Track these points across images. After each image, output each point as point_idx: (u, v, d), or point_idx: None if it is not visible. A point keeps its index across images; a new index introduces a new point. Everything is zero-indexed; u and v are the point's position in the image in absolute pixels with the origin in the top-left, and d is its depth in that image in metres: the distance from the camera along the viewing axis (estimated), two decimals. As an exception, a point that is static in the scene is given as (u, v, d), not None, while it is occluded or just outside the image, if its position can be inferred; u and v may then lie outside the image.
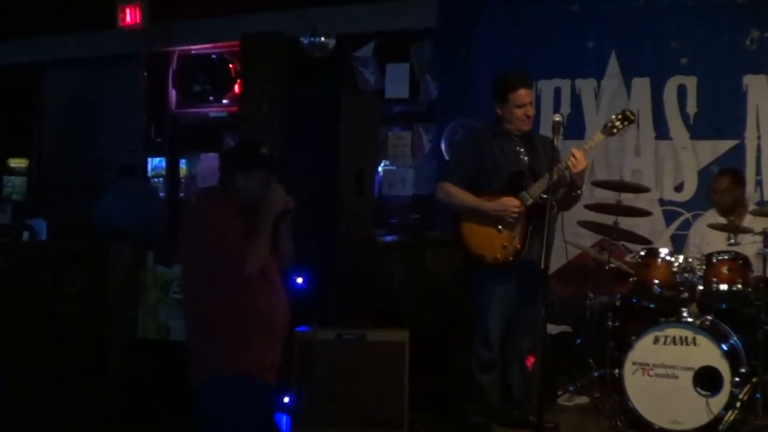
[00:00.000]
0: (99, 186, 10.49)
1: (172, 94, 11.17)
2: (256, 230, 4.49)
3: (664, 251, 6.66)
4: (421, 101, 9.56)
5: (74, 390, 7.35)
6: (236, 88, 10.55)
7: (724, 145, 7.95)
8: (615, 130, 6.12)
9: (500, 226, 6.01)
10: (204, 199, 4.97)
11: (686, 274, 6.46)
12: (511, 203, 5.96)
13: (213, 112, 10.91)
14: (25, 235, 9.42)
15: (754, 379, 6.23)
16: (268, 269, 4.65)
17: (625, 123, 6.11)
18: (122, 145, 11.43)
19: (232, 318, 4.49)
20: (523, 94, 6.09)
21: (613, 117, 6.15)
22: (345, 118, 6.54)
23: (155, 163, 11.43)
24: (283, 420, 5.89)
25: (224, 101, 10.74)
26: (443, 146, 9.05)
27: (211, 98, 10.78)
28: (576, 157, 5.89)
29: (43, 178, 12.22)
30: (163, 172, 11.31)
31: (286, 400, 5.93)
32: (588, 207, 7.16)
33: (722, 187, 7.22)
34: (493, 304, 6.11)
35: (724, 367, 6.10)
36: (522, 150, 6.11)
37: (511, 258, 6.00)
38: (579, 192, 6.14)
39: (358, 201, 6.62)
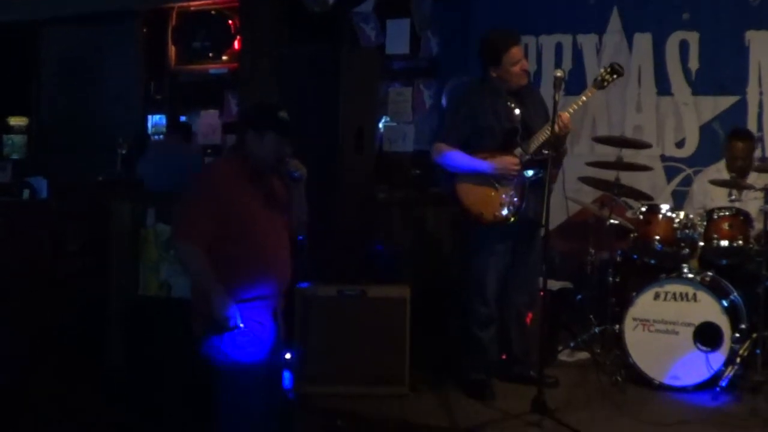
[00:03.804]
0: (99, 143, 10.49)
1: (172, 50, 11.12)
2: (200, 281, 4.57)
3: (665, 207, 6.65)
4: (421, 57, 9.49)
5: (75, 347, 7.38)
6: (236, 45, 10.49)
7: (726, 101, 7.91)
8: (605, 83, 6.09)
9: (497, 185, 6.00)
10: (213, 162, 5.05)
11: (687, 230, 6.46)
12: (510, 161, 5.94)
13: (213, 68, 10.87)
14: (26, 193, 9.42)
15: (754, 335, 6.24)
16: (272, 231, 4.67)
17: (614, 76, 6.07)
18: (121, 102, 11.39)
19: (224, 275, 4.52)
20: (515, 52, 6.04)
21: (602, 71, 6.11)
22: (345, 75, 6.52)
23: (155, 120, 11.39)
24: (285, 376, 5.91)
25: (224, 58, 10.69)
26: (444, 102, 9.01)
27: (210, 55, 10.73)
28: (563, 120, 5.88)
29: (43, 137, 12.19)
30: (163, 130, 11.27)
31: (287, 356, 5.95)
32: (589, 163, 7.14)
33: (740, 153, 7.13)
34: (491, 262, 6.10)
35: (724, 323, 6.13)
36: (513, 106, 6.08)
37: (511, 216, 5.99)
38: (565, 147, 6.15)
39: (358, 157, 6.62)
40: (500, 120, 6.06)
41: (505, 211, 5.99)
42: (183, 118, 10.90)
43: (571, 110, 5.97)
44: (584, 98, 6.05)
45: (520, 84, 6.12)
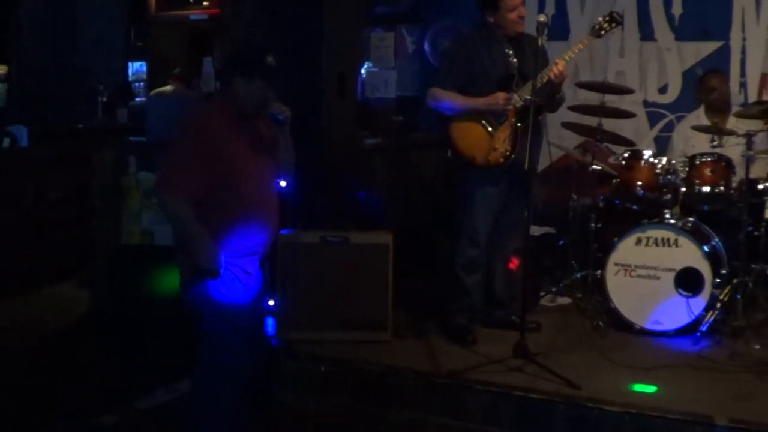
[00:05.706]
0: (80, 90, 10.42)
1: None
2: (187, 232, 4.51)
3: (647, 153, 6.66)
4: (404, 2, 9.43)
5: (58, 296, 7.39)
6: (217, -10, 10.40)
7: (709, 47, 7.90)
8: (603, 32, 6.06)
9: (490, 129, 5.98)
10: (198, 110, 5.00)
11: (669, 176, 6.46)
12: (500, 95, 5.91)
13: (193, 14, 10.77)
14: (6, 141, 9.35)
15: (735, 281, 6.27)
16: (260, 178, 4.66)
17: (613, 25, 6.05)
18: (101, 49, 11.30)
19: (212, 222, 4.51)
20: None
21: (600, 19, 6.08)
22: (327, 20, 6.48)
23: (136, 68, 11.31)
24: (268, 322, 5.93)
25: (204, 3, 10.59)
26: (427, 48, 8.97)
27: (191, 0, 10.63)
28: (559, 67, 5.85)
29: (24, 85, 12.08)
30: (144, 77, 11.20)
31: (270, 302, 5.96)
32: (571, 108, 7.13)
33: (715, 85, 7.19)
34: (483, 206, 6.10)
35: (705, 268, 6.15)
36: (510, 52, 6.06)
37: (502, 160, 5.97)
38: (561, 94, 6.13)
39: (340, 103, 6.59)
40: (496, 66, 6.04)
41: (497, 156, 5.98)
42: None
43: (567, 57, 5.94)
44: (581, 46, 6.03)
45: (517, 31, 6.08)
